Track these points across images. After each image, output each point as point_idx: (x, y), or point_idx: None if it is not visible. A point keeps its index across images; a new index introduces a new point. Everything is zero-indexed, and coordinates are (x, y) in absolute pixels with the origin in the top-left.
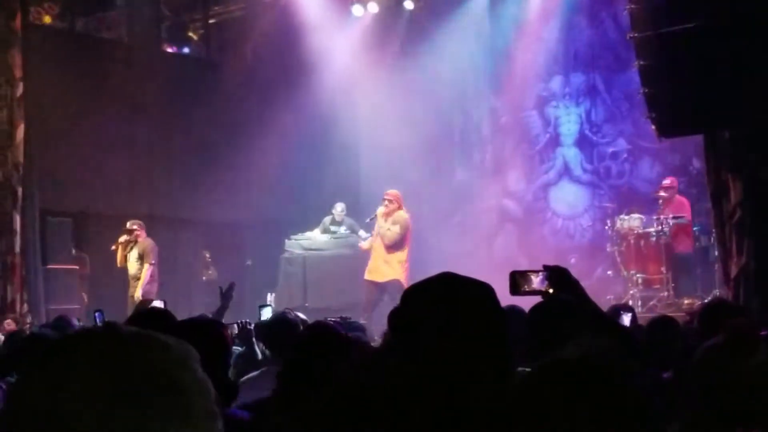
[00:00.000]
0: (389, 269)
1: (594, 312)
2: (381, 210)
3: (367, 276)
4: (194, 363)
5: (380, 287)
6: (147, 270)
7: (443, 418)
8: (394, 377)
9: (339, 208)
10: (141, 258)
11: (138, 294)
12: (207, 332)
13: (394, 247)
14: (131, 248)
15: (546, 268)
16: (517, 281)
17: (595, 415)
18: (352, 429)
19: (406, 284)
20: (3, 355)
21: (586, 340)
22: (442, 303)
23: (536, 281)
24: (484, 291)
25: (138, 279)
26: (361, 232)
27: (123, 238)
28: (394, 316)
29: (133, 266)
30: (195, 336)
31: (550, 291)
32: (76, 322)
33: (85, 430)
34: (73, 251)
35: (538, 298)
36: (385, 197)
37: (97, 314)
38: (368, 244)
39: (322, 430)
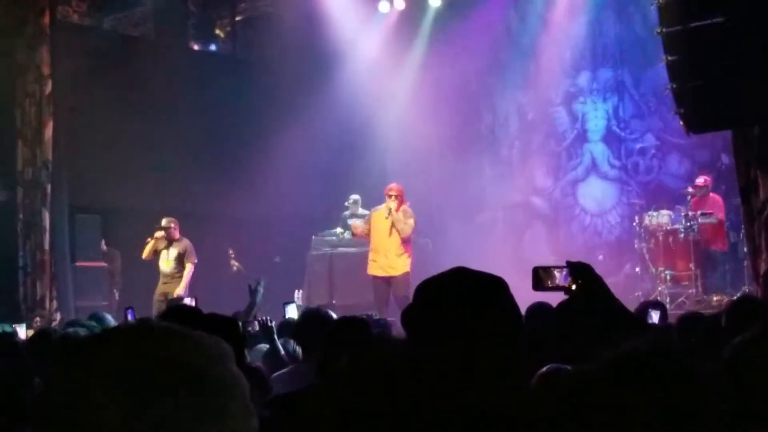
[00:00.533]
0: (402, 263)
1: (620, 309)
2: (393, 204)
3: (378, 273)
4: (228, 359)
5: (389, 282)
6: (190, 270)
7: (455, 414)
8: (408, 373)
9: (352, 199)
10: (180, 257)
11: (180, 292)
12: (226, 330)
13: (408, 240)
14: (166, 246)
15: (569, 264)
16: (540, 277)
17: (673, 407)
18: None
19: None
20: (31, 353)
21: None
22: (454, 297)
23: (559, 277)
24: (497, 285)
25: (174, 277)
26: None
27: (160, 234)
28: (407, 313)
29: (169, 265)
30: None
31: (573, 287)
32: (111, 319)
33: (117, 426)
34: (104, 247)
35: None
36: (390, 192)
37: (128, 311)
38: (364, 230)
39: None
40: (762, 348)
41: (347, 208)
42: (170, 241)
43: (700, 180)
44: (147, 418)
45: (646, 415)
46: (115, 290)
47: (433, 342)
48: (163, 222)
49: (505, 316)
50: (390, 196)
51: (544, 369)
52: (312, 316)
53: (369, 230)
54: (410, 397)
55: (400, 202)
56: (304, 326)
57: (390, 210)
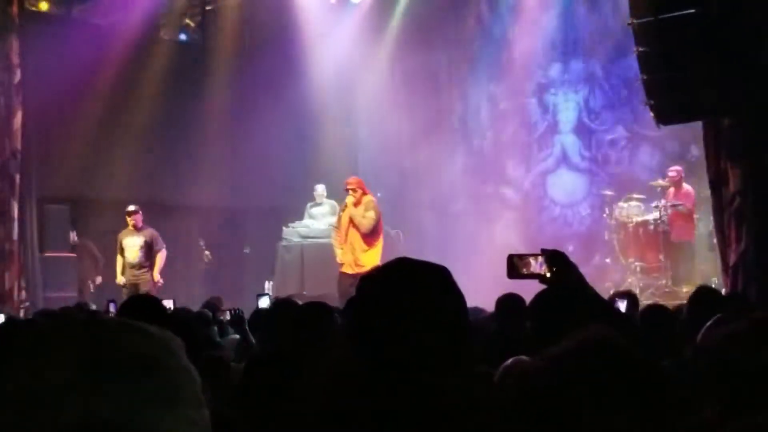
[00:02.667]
0: (368, 259)
1: (593, 297)
2: (350, 200)
3: (346, 270)
4: (179, 350)
5: (357, 278)
6: (162, 256)
7: (399, 408)
8: (352, 367)
9: (320, 189)
10: (148, 246)
11: (157, 278)
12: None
13: (372, 234)
14: (129, 234)
15: (544, 251)
16: (515, 264)
17: (634, 395)
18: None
19: None
20: None
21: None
22: (397, 288)
23: (534, 265)
24: (440, 274)
25: (143, 267)
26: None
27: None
28: (350, 305)
29: (134, 253)
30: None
31: (548, 275)
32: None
33: (70, 416)
34: (75, 239)
35: (536, 286)
36: (348, 186)
37: (111, 303)
38: (340, 255)
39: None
40: (755, 341)
41: (314, 198)
42: (136, 229)
43: (673, 172)
44: (101, 410)
45: (593, 408)
46: (99, 277)
47: (375, 333)
48: (131, 207)
49: (448, 305)
50: (347, 190)
51: (508, 362)
52: (282, 306)
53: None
54: (354, 399)
55: (361, 194)
56: (274, 316)
57: (346, 204)
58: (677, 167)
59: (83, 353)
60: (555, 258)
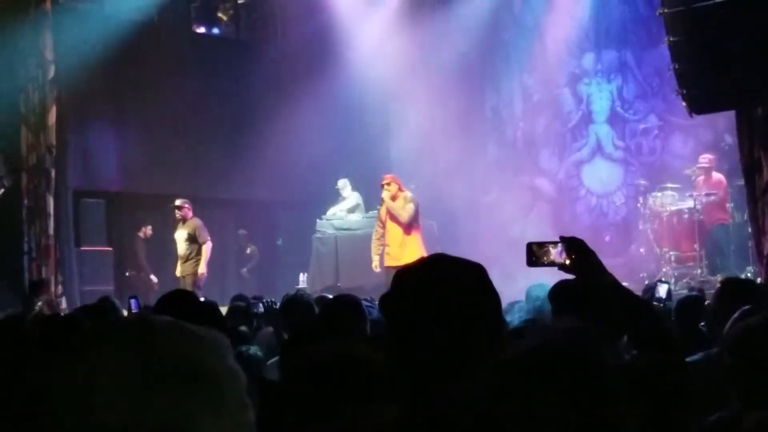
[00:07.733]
0: (406, 253)
1: (611, 284)
2: (386, 194)
3: (391, 263)
4: (226, 352)
5: None
6: (207, 248)
7: (428, 405)
8: (386, 363)
9: (340, 183)
10: (191, 237)
11: (202, 270)
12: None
13: (412, 225)
14: (178, 227)
15: (563, 239)
16: (534, 252)
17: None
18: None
19: None
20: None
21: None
22: (431, 285)
23: (554, 253)
24: (476, 272)
25: (188, 259)
26: (357, 214)
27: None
28: (384, 300)
29: (182, 246)
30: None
31: (567, 263)
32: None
33: (117, 419)
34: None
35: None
36: (383, 182)
37: (132, 300)
38: (376, 260)
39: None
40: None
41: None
42: (183, 222)
43: (704, 159)
44: (148, 414)
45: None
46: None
47: (410, 330)
48: (177, 201)
49: (482, 304)
50: (383, 186)
51: None
52: (296, 302)
53: (381, 227)
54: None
55: (397, 189)
56: (289, 313)
57: (383, 200)
58: (709, 155)
59: (133, 356)
60: (573, 245)
